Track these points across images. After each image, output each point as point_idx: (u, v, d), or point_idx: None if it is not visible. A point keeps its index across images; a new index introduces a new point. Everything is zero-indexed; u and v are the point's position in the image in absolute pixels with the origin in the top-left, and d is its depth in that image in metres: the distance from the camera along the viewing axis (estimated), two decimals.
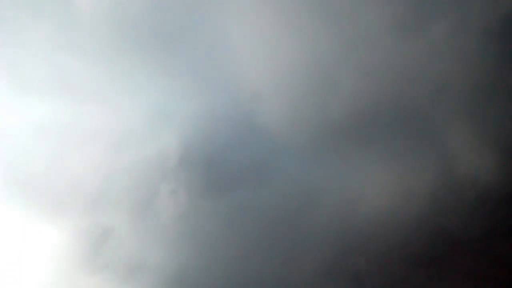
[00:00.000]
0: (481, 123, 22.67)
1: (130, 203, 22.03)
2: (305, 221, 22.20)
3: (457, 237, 21.81)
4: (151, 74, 22.92)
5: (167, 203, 22.02)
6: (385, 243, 21.94)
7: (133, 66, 22.80)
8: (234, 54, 23.18)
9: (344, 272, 21.91)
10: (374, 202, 22.32)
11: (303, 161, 22.93)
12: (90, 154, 22.17)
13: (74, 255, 21.59)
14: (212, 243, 21.87)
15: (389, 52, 23.03)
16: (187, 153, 22.34)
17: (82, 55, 22.78)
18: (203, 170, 22.36)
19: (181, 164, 22.27)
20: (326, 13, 23.11)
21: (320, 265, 21.95)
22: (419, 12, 23.02)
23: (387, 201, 22.24)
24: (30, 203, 21.76)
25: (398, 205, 22.15)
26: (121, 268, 21.75)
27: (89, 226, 21.65)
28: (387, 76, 23.02)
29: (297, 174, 22.79)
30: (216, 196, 22.18)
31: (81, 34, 22.90)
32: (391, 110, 22.98)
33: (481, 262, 21.55)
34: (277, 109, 22.94)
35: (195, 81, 23.00)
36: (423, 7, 23.01)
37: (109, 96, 22.74)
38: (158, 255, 21.86)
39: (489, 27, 22.72)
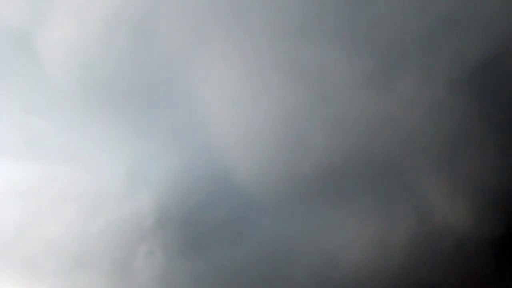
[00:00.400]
0: (454, 173, 22.95)
1: (107, 265, 21.68)
2: (283, 279, 22.03)
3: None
4: (125, 134, 22.89)
5: (144, 265, 21.72)
6: None
7: (106, 125, 22.78)
8: (206, 112, 23.31)
9: None
10: (352, 255, 22.30)
11: (279, 217, 22.90)
12: (64, 216, 21.88)
13: None
14: None
15: (358, 105, 23.31)
16: (163, 213, 22.18)
17: (52, 117, 22.70)
18: (180, 229, 22.18)
19: (157, 224, 22.08)
20: (294, 69, 23.40)
21: None
22: (386, 66, 23.35)
23: (365, 254, 22.26)
24: (4, 269, 21.31)
25: (376, 257, 22.17)
26: None
27: None
28: (356, 129, 23.25)
29: (272, 230, 22.71)
30: (193, 256, 21.96)
31: (51, 96, 22.85)
32: (363, 163, 23.15)
33: None
34: (250, 165, 22.99)
35: (169, 140, 23.02)
36: (390, 61, 23.37)
37: (82, 156, 22.60)
38: None
39: (456, 78, 23.13)
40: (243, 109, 23.49)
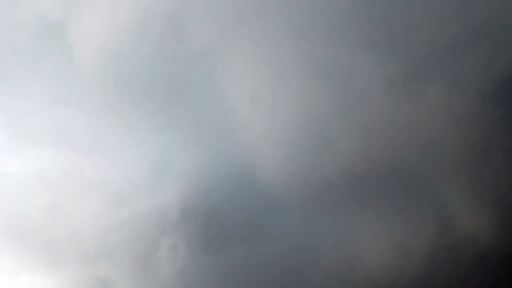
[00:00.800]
0: (479, 183, 22.74)
1: (130, 256, 21.78)
2: (303, 278, 21.97)
3: None
4: (153, 127, 23.06)
5: (166, 258, 21.77)
6: None
7: (135, 118, 22.96)
8: (232, 109, 23.40)
9: None
10: (372, 261, 22.18)
11: (301, 217, 22.90)
12: (90, 205, 22.04)
13: None
14: None
15: (384, 110, 23.23)
16: (187, 207, 22.28)
17: (81, 107, 22.99)
18: (203, 224, 22.26)
19: (181, 218, 22.16)
20: (323, 71, 23.39)
21: None
22: (414, 72, 23.29)
23: (386, 260, 22.10)
24: (28, 253, 21.57)
25: (397, 264, 22.00)
26: None
27: (88, 279, 21.36)
28: (382, 134, 23.15)
29: (294, 231, 22.73)
30: (215, 252, 22.03)
31: (81, 87, 23.10)
32: (387, 168, 23.02)
33: None
34: (274, 165, 22.97)
35: (196, 135, 23.13)
36: (419, 68, 23.30)
37: (110, 148, 22.80)
38: None
39: (483, 89, 22.95)
40: (269, 108, 23.51)
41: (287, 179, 22.83)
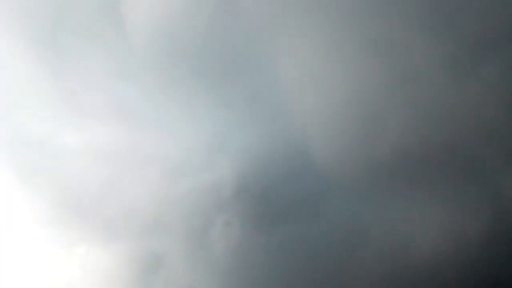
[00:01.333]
0: None
1: (185, 231, 21.94)
2: (355, 259, 21.87)
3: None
4: (208, 104, 23.12)
5: (221, 234, 21.90)
6: None
7: (190, 95, 23.03)
8: (286, 88, 23.26)
9: None
10: (425, 245, 21.85)
11: (354, 198, 22.72)
12: (146, 180, 22.27)
13: (125, 280, 21.50)
14: (263, 276, 21.60)
15: (441, 90, 22.82)
16: (242, 184, 22.33)
17: (138, 83, 23.15)
18: (257, 202, 22.30)
19: (236, 195, 22.23)
20: (378, 48, 23.07)
21: None
22: (473, 52, 22.79)
23: (439, 244, 21.75)
24: (84, 225, 22.00)
25: (450, 249, 21.61)
26: None
27: (142, 252, 21.63)
28: (438, 114, 22.76)
29: (346, 211, 22.59)
30: (269, 229, 22.06)
31: (136, 63, 23.26)
32: (442, 149, 22.62)
33: None
34: (327, 145, 22.81)
35: (250, 112, 23.09)
36: (477, 48, 22.79)
37: (165, 123, 22.96)
38: (208, 286, 21.63)
39: None
40: (322, 86, 23.32)
41: (339, 159, 22.66)
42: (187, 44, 23.30)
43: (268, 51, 23.31)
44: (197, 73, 23.27)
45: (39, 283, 21.44)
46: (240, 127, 22.96)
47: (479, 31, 22.52)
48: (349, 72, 23.23)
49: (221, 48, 23.39)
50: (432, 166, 22.63)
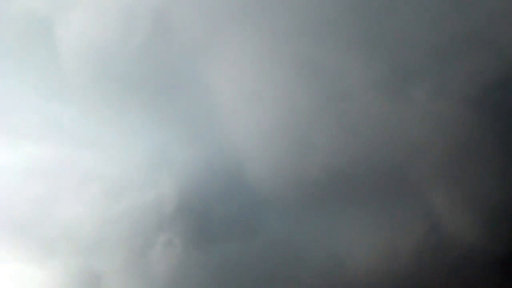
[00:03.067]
0: (463, 186, 22.85)
1: (124, 250, 21.68)
2: (290, 275, 21.85)
3: None
4: (144, 122, 23.10)
5: (162, 253, 21.64)
6: None
7: (125, 113, 22.93)
8: (222, 107, 23.47)
9: None
10: (359, 259, 22.22)
11: (288, 217, 23.03)
12: (84, 198, 21.97)
13: None
14: None
15: (369, 110, 23.36)
16: (182, 203, 22.34)
17: (72, 103, 22.98)
18: (198, 220, 22.35)
19: (177, 213, 22.19)
20: (310, 71, 23.50)
21: None
22: (401, 75, 23.45)
23: (372, 259, 22.15)
24: (21, 245, 21.46)
25: (384, 263, 21.99)
26: None
27: (80, 271, 21.29)
28: (366, 134, 23.30)
29: (282, 228, 22.81)
30: (208, 248, 22.13)
31: (70, 83, 23.07)
32: (371, 168, 23.13)
33: None
34: (261, 163, 23.08)
35: (188, 132, 23.15)
36: (405, 71, 23.46)
37: (101, 142, 22.81)
38: None
39: (469, 94, 23.15)
40: (255, 108, 23.53)
41: (274, 177, 22.84)
42: (122, 64, 23.24)
43: (202, 71, 23.47)
44: (132, 92, 23.20)
45: None
46: (178, 146, 22.96)
47: (409, 55, 23.23)
48: (280, 92, 23.54)
49: (156, 68, 23.41)
50: (364, 185, 23.04)
